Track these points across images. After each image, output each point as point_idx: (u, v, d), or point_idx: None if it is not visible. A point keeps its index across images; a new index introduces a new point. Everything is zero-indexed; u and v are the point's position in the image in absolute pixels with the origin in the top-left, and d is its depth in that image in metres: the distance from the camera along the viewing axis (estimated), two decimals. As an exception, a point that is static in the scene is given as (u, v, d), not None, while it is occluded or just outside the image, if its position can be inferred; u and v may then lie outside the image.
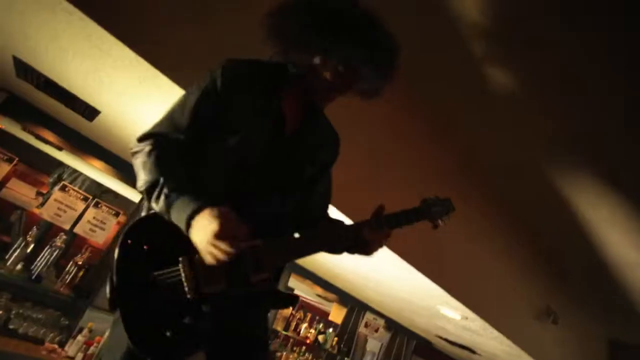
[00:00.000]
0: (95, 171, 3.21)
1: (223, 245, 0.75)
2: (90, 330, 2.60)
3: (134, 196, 3.33)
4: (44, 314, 2.65)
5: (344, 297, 4.48)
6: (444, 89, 1.88)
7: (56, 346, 2.54)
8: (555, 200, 2.35)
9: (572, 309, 3.70)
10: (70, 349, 2.53)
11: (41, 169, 3.28)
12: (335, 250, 1.00)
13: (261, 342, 0.99)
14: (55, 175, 3.33)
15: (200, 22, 1.28)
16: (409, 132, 2.09)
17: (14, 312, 2.50)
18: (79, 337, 2.56)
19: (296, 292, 4.63)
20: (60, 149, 3.25)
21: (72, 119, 2.41)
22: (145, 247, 0.84)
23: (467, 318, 2.74)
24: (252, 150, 0.90)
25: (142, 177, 0.85)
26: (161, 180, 0.83)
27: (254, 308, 0.92)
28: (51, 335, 2.57)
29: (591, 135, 1.87)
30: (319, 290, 4.48)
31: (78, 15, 1.13)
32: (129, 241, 0.84)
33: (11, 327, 2.46)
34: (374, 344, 5.39)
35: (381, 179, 1.92)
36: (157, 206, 0.83)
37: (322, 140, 1.03)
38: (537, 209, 2.58)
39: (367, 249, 0.97)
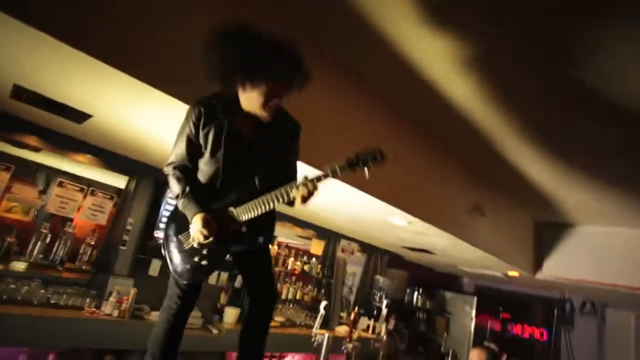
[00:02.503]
0: (78, 165, 3.59)
1: (202, 233, 1.48)
2: (118, 292, 3.20)
3: (120, 182, 3.75)
4: (75, 289, 3.22)
5: (320, 232, 5.15)
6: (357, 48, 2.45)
7: (94, 309, 3.15)
8: (464, 115, 3.05)
9: (500, 201, 4.61)
10: (106, 308, 3.14)
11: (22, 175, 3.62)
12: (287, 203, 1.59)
13: (260, 249, 1.69)
14: (43, 181, 3.67)
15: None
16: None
17: (50, 291, 3.04)
18: (111, 299, 3.16)
19: (280, 237, 5.34)
20: (37, 150, 3.56)
21: (56, 123, 2.78)
22: (173, 224, 1.62)
23: (411, 222, 3.52)
24: (223, 160, 1.54)
25: (174, 190, 1.59)
26: (181, 193, 1.56)
27: (243, 242, 1.61)
28: (87, 301, 3.16)
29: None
30: (299, 230, 5.17)
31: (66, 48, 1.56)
32: (167, 223, 1.65)
33: (52, 301, 3.02)
34: (355, 266, 6.31)
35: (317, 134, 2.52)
36: (181, 206, 1.57)
37: (274, 137, 1.59)
38: (451, 124, 3.29)
39: (300, 202, 1.45)
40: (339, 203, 3.33)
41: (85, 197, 3.36)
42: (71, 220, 3.36)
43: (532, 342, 7.32)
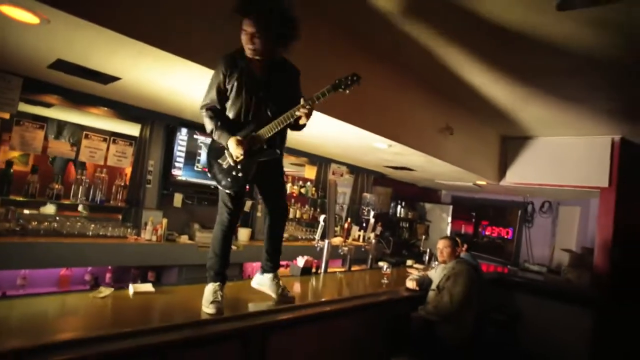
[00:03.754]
0: (98, 118, 4.01)
1: (237, 151, 2.02)
2: (152, 222, 3.88)
3: (134, 130, 4.21)
4: (114, 223, 3.87)
5: (312, 158, 5.71)
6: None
7: (135, 236, 3.85)
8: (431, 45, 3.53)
9: (468, 120, 5.24)
10: (145, 235, 3.84)
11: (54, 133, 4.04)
12: (292, 127, 2.18)
13: (276, 163, 2.29)
14: (71, 135, 4.10)
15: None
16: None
17: (98, 225, 3.69)
18: (148, 227, 3.84)
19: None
20: (49, 105, 3.90)
21: (80, 84, 3.17)
22: (212, 153, 2.19)
23: (391, 145, 4.16)
24: (245, 97, 2.10)
25: (208, 127, 2.12)
26: (215, 127, 2.10)
27: (265, 154, 2.17)
28: (128, 231, 3.84)
29: None
30: (293, 158, 5.74)
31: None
32: (208, 154, 2.22)
33: (101, 233, 3.69)
34: (344, 187, 7.06)
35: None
36: (216, 137, 2.11)
37: (282, 79, 2.16)
38: (419, 55, 3.76)
39: (302, 121, 2.07)
40: (330, 134, 3.92)
41: (108, 146, 3.85)
42: (83, 166, 3.89)
43: (500, 240, 8.53)
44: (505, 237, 8.47)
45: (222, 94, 2.12)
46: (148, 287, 2.40)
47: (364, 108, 3.50)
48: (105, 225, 3.72)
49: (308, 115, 2.04)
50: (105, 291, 2.21)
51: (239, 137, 2.05)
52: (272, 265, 2.46)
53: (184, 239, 4.14)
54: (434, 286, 3.56)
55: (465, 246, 4.12)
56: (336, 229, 6.22)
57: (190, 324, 1.93)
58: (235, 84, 2.07)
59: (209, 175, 2.23)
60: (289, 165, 6.16)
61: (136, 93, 3.22)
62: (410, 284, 3.71)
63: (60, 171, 4.07)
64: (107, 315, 2.02)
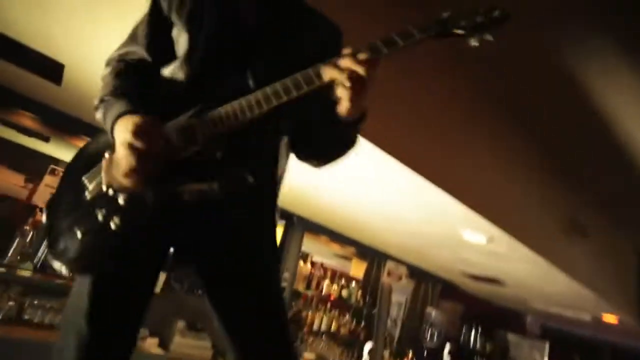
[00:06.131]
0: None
1: (136, 145, 0.68)
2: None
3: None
4: (56, 302, 2.58)
5: (362, 250, 4.44)
6: None
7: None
8: (571, 93, 2.17)
9: (600, 220, 3.58)
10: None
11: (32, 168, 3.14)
12: (299, 111, 0.82)
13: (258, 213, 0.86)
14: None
15: None
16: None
17: (27, 303, 2.43)
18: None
19: (315, 257, 4.57)
20: (47, 139, 3.11)
21: (40, 89, 2.24)
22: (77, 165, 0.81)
23: (492, 240, 2.62)
24: (208, 37, 0.82)
25: (98, 96, 0.81)
26: (110, 91, 0.79)
27: (210, 183, 0.75)
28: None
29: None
30: (336, 247, 4.43)
31: None
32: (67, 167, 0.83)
33: (26, 317, 2.41)
34: (399, 295, 5.39)
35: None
36: (99, 114, 0.78)
37: (300, 29, 0.87)
38: (553, 114, 2.41)
39: (342, 107, 0.72)
40: (395, 206, 2.50)
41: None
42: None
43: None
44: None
45: (161, 34, 0.85)
46: None
47: (456, 167, 2.09)
48: (38, 304, 2.46)
49: (358, 90, 0.71)
50: None
51: (147, 118, 0.71)
52: None
53: (152, 344, 2.68)
54: None
55: None
56: (385, 353, 4.42)
57: None
58: (191, 7, 0.83)
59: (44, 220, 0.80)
60: (331, 256, 4.74)
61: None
62: None
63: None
64: None
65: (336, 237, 4.14)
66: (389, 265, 4.59)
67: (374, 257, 4.64)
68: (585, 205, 3.33)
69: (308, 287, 4.01)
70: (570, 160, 2.87)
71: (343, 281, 4.45)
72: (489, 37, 0.73)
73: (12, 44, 1.63)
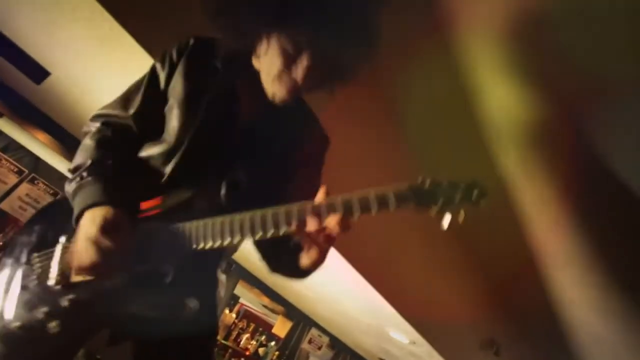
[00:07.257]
0: (38, 145, 2.91)
1: (102, 244, 0.65)
2: None
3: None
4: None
5: (291, 311, 4.36)
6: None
7: None
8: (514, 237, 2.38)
9: (514, 346, 3.78)
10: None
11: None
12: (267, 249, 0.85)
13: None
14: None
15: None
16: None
17: None
18: None
19: (242, 300, 4.43)
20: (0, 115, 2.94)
21: (16, 80, 2.15)
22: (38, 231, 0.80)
23: (414, 343, 2.70)
24: (196, 129, 0.80)
25: (76, 160, 0.79)
26: (88, 162, 0.76)
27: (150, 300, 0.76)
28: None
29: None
30: (266, 300, 4.32)
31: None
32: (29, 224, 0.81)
33: None
34: (315, 362, 5.27)
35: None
36: (69, 189, 0.75)
37: (290, 131, 0.86)
38: (493, 242, 2.62)
39: (314, 249, 0.68)
40: (336, 288, 2.54)
41: (20, 182, 2.59)
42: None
43: None
44: None
45: (153, 103, 0.83)
46: None
47: (398, 277, 2.20)
48: None
49: (329, 247, 0.69)
50: None
51: (121, 212, 0.69)
52: None
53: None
54: None
55: None
56: None
57: None
58: (189, 89, 0.81)
59: None
60: (259, 305, 4.62)
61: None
62: None
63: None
64: None
65: (270, 292, 4.07)
66: (313, 332, 4.52)
67: (300, 320, 4.54)
68: (505, 328, 3.53)
69: (227, 337, 3.86)
70: (499, 287, 3.09)
71: (263, 338, 4.32)
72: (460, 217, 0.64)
73: (6, 42, 1.59)
